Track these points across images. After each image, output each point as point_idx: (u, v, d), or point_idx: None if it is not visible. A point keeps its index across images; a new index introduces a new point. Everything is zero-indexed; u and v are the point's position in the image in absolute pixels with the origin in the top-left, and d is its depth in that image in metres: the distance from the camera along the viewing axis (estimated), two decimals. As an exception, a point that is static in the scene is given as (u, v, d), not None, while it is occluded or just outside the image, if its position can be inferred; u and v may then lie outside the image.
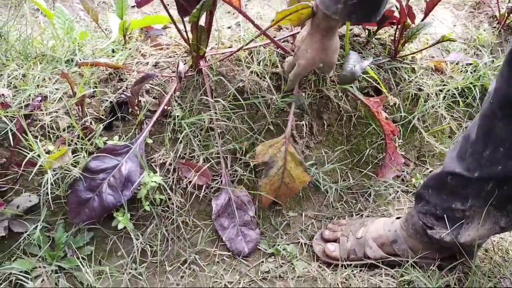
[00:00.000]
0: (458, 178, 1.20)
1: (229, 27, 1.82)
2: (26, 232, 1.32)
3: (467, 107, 1.72)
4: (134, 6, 2.18)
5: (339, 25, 1.33)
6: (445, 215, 1.26)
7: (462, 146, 1.20)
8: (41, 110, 1.38)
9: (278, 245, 1.48)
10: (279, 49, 1.59)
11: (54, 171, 1.29)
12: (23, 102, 1.37)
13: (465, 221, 1.25)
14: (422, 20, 1.60)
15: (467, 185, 1.19)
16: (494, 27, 1.87)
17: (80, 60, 1.51)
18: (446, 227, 1.27)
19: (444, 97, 1.67)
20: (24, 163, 1.23)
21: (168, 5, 1.43)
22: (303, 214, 1.57)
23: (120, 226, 1.35)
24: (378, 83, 1.53)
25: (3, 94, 1.30)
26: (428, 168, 1.70)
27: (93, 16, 1.65)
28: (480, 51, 1.78)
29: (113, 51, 1.62)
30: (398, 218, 1.45)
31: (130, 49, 1.60)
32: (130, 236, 1.38)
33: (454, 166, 1.21)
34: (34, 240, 1.31)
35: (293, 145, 1.49)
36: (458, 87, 1.67)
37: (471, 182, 1.18)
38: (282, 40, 1.60)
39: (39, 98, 1.38)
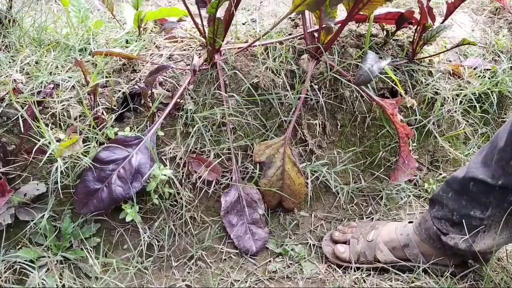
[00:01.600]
0: (480, 185, 1.17)
1: (244, 23, 1.80)
2: (32, 220, 1.30)
3: (483, 113, 1.69)
4: (148, -2, 2.17)
5: None
6: (462, 221, 1.23)
7: (488, 152, 1.17)
8: (53, 98, 1.36)
9: (287, 245, 1.46)
10: (295, 46, 1.56)
11: (63, 159, 1.28)
12: (35, 88, 1.35)
13: (481, 229, 1.22)
14: (442, 22, 1.57)
15: (490, 193, 1.16)
16: (514, 33, 1.84)
17: (94, 49, 1.49)
18: (461, 234, 1.24)
19: (461, 102, 1.64)
20: (34, 150, 1.21)
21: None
22: (313, 214, 1.55)
23: (128, 219, 1.33)
24: (396, 84, 1.51)
25: (15, 80, 1.28)
26: (441, 174, 1.67)
27: (109, 6, 1.63)
28: (498, 56, 1.75)
29: (127, 41, 1.60)
30: (410, 222, 1.42)
31: (144, 40, 1.58)
32: (138, 229, 1.37)
33: (478, 172, 1.17)
34: (40, 229, 1.30)
35: (290, 146, 1.47)
36: (475, 92, 1.64)
37: (494, 190, 1.15)
38: (298, 37, 1.58)
39: (52, 86, 1.36)
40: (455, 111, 1.64)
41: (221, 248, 1.42)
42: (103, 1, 1.63)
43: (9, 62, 1.40)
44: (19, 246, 1.30)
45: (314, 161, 1.55)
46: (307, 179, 1.51)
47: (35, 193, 1.34)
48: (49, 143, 1.23)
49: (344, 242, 1.45)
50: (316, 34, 1.54)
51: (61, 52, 1.48)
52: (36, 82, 1.36)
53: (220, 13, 1.38)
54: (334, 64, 1.48)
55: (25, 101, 1.31)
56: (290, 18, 1.75)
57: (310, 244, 1.48)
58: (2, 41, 1.44)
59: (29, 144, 1.32)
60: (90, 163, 1.30)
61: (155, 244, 1.37)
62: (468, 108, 1.66)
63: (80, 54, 1.49)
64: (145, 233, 1.37)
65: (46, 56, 1.44)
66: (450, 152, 1.67)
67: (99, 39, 1.57)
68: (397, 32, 1.64)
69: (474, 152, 1.69)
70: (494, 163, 1.14)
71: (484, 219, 1.20)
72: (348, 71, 1.55)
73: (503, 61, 1.71)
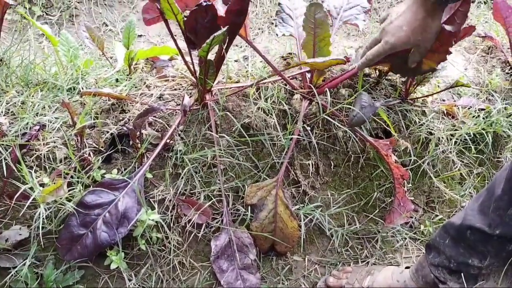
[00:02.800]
0: (478, 234, 1.13)
1: (236, 61, 1.78)
2: (14, 267, 1.25)
3: (478, 153, 1.67)
4: (140, 35, 2.17)
5: (445, 7, 1.22)
6: (460, 270, 1.18)
7: (485, 199, 1.14)
8: (38, 140, 1.32)
9: (279, 291, 1.40)
10: (287, 86, 1.55)
11: (47, 204, 1.23)
12: (20, 130, 1.31)
13: (480, 278, 1.17)
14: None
15: (487, 242, 1.12)
16: (507, 73, 1.83)
17: (83, 89, 1.46)
18: (459, 282, 1.20)
19: (456, 142, 1.61)
20: (16, 196, 1.17)
21: (175, 35, 1.39)
22: (306, 258, 1.50)
23: (113, 266, 1.28)
24: (388, 125, 1.48)
25: (0, 123, 1.25)
26: (437, 215, 1.63)
27: (99, 45, 1.62)
28: (492, 96, 1.74)
29: (117, 80, 1.58)
30: (407, 267, 1.37)
31: (134, 79, 1.55)
32: (123, 276, 1.31)
33: (475, 220, 1.14)
34: (21, 276, 1.24)
35: (282, 188, 1.44)
36: (470, 133, 1.62)
37: (491, 239, 1.11)
38: (291, 77, 1.56)
39: (37, 127, 1.33)
40: (450, 152, 1.61)
41: (210, 296, 1.36)
42: (93, 39, 1.62)
43: (-6, 103, 1.36)
44: (-1, 295, 1.24)
45: (307, 203, 1.51)
46: (300, 221, 1.47)
47: (17, 239, 1.29)
48: (32, 188, 1.19)
49: (339, 289, 1.40)
50: (308, 75, 1.53)
51: (48, 92, 1.44)
52: (22, 124, 1.32)
53: (212, 53, 1.37)
54: (327, 105, 1.46)
55: (9, 143, 1.26)
56: (282, 57, 1.74)
57: (303, 290, 1.43)
58: (-12, 81, 1.41)
59: (12, 188, 1.28)
60: (74, 208, 1.25)
61: (142, 292, 1.32)
62: (463, 149, 1.64)
63: (68, 94, 1.46)
64: (130, 281, 1.31)
65: (33, 96, 1.41)
66: (445, 193, 1.64)
67: (88, 78, 1.54)
68: (389, 72, 1.62)
69: (470, 193, 1.66)
70: (491, 212, 1.10)
71: (483, 268, 1.16)
72: (341, 111, 1.52)
73: (497, 100, 1.70)
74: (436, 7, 1.20)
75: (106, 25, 2.23)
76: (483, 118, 1.64)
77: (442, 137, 1.61)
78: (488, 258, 1.15)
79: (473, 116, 1.65)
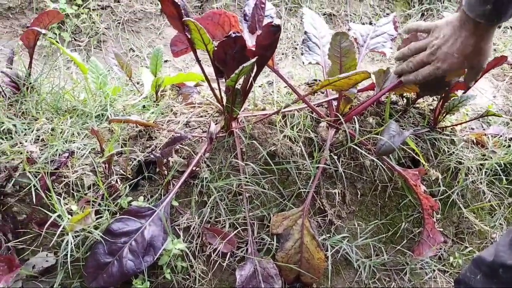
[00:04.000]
0: (510, 271, 1.09)
1: (260, 86, 1.79)
2: (40, 295, 1.25)
3: (510, 184, 1.62)
4: (166, 61, 2.20)
5: (494, 29, 1.22)
6: None
7: None
8: (67, 167, 1.34)
9: (305, 324, 1.37)
10: (313, 113, 1.54)
11: (75, 232, 1.23)
12: (50, 157, 1.33)
13: (513, 316, 1.13)
14: (464, 92, 1.54)
15: None
16: (537, 101, 1.80)
17: (111, 116, 1.48)
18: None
19: (486, 172, 1.58)
20: (47, 225, 1.17)
21: (201, 61, 1.40)
22: (333, 290, 1.47)
23: (138, 295, 1.27)
24: (417, 154, 1.46)
25: (30, 151, 1.26)
26: (467, 247, 1.59)
27: (127, 72, 1.64)
28: (523, 124, 1.71)
29: (143, 107, 1.59)
30: (437, 302, 1.33)
31: (161, 106, 1.57)
32: (148, 305, 1.30)
33: (507, 257, 1.10)
34: (47, 304, 1.24)
35: (309, 218, 1.42)
36: (500, 162, 1.58)
37: None
38: (317, 105, 1.55)
39: (66, 154, 1.34)
40: (480, 182, 1.58)
41: (235, 327, 1.34)
42: (122, 67, 1.64)
43: (25, 130, 1.39)
44: (24, 323, 1.24)
45: (334, 233, 1.49)
46: (327, 252, 1.44)
47: (44, 265, 1.29)
48: (60, 216, 1.19)
49: (367, 322, 1.36)
50: (335, 103, 1.52)
51: (78, 118, 1.47)
52: (51, 151, 1.34)
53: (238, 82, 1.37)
54: (355, 134, 1.44)
55: (38, 170, 1.28)
56: (307, 83, 1.74)
57: (330, 324, 1.39)
58: (19, 108, 1.44)
59: (40, 214, 1.29)
60: (101, 236, 1.25)
61: (166, 322, 1.30)
62: (493, 179, 1.60)
63: (97, 121, 1.48)
64: (155, 310, 1.30)
65: (62, 123, 1.43)
66: (475, 224, 1.60)
67: (116, 104, 1.56)
68: (417, 100, 1.60)
69: (500, 224, 1.62)
70: None
71: None
72: (369, 139, 1.51)
73: (527, 129, 1.67)
74: (489, 29, 1.19)
75: (133, 51, 2.26)
76: (514, 148, 1.60)
77: (472, 167, 1.57)
78: None
79: (504, 146, 1.62)
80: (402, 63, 1.39)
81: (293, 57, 2.29)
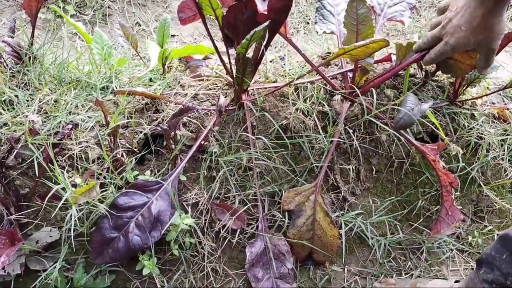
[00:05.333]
0: None
1: (271, 61, 1.72)
2: (44, 270, 1.21)
3: (533, 160, 1.55)
4: (173, 35, 2.13)
5: (508, 2, 1.13)
6: None
7: None
8: (71, 139, 1.29)
9: (317, 302, 1.32)
10: (327, 86, 1.47)
11: (79, 206, 1.19)
12: (53, 129, 1.28)
13: (542, 297, 1.07)
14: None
15: None
16: (562, 75, 1.71)
17: (116, 88, 1.42)
18: (517, 301, 1.09)
19: (508, 148, 1.51)
20: (48, 196, 1.13)
21: (208, 27, 1.33)
22: (346, 269, 1.41)
23: (145, 272, 1.23)
24: (437, 128, 1.39)
25: (32, 120, 1.21)
26: (486, 226, 1.52)
27: (133, 43, 1.58)
28: (547, 99, 1.62)
29: (150, 80, 1.54)
30: (457, 281, 1.27)
31: (168, 79, 1.51)
32: (155, 281, 1.26)
33: None
34: (51, 280, 1.21)
35: (322, 194, 1.36)
36: (523, 138, 1.51)
37: None
38: (331, 77, 1.48)
39: (70, 126, 1.29)
40: (502, 158, 1.51)
41: (245, 305, 1.30)
42: (127, 38, 1.58)
43: (27, 101, 1.34)
44: (28, 299, 1.21)
45: (348, 210, 1.43)
46: (340, 229, 1.39)
47: (48, 241, 1.25)
48: (64, 188, 1.14)
49: (381, 302, 1.31)
50: (350, 74, 1.45)
51: (82, 90, 1.41)
52: (54, 122, 1.29)
53: (249, 51, 1.31)
54: (372, 108, 1.37)
55: (41, 142, 1.23)
56: (320, 56, 1.67)
57: (343, 303, 1.35)
58: (21, 79, 1.38)
59: (43, 188, 1.24)
60: (107, 210, 1.20)
61: (174, 299, 1.26)
62: (515, 155, 1.53)
63: (101, 93, 1.42)
64: (163, 286, 1.26)
65: (66, 94, 1.38)
66: (495, 202, 1.53)
67: (122, 77, 1.50)
68: (436, 73, 1.53)
69: (522, 202, 1.55)
70: None
71: None
72: (385, 113, 1.44)
73: (552, 103, 1.59)
74: (497, 2, 1.10)
75: (139, 25, 2.20)
76: (538, 123, 1.53)
77: (493, 143, 1.50)
78: None
79: (527, 120, 1.54)
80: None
81: (305, 32, 2.22)
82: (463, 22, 1.16)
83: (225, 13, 1.20)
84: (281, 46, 2.03)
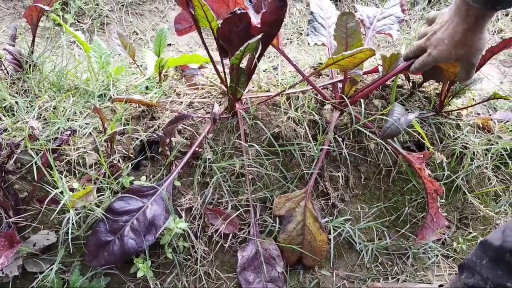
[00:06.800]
0: None
1: (265, 70, 1.77)
2: (40, 272, 1.25)
3: (515, 169, 1.61)
4: (170, 44, 2.18)
5: (488, 20, 1.17)
6: None
7: None
8: (69, 145, 1.33)
9: (306, 306, 1.37)
10: (318, 95, 1.52)
11: (76, 210, 1.22)
12: (52, 135, 1.32)
13: (520, 302, 1.11)
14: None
15: None
16: (545, 87, 1.78)
17: (114, 95, 1.47)
18: (496, 305, 1.14)
19: (491, 157, 1.56)
20: (47, 200, 1.16)
21: (204, 38, 1.38)
22: (335, 273, 1.45)
23: (139, 274, 1.26)
24: (423, 138, 1.44)
25: (32, 126, 1.25)
26: (471, 232, 1.57)
27: (130, 52, 1.63)
28: (530, 110, 1.68)
29: (147, 88, 1.58)
30: (440, 285, 1.32)
31: (164, 87, 1.55)
32: (149, 284, 1.29)
33: None
34: (48, 282, 1.24)
35: (312, 200, 1.40)
36: (506, 148, 1.56)
37: None
38: (322, 87, 1.54)
39: (68, 132, 1.33)
40: (486, 167, 1.56)
41: (236, 308, 1.34)
42: (125, 47, 1.63)
43: (27, 107, 1.38)
44: (25, 300, 1.24)
45: (337, 216, 1.47)
46: (329, 235, 1.43)
47: (45, 243, 1.29)
48: (62, 192, 1.18)
49: (368, 305, 1.36)
50: (340, 85, 1.50)
51: (80, 97, 1.45)
52: (53, 129, 1.33)
53: (243, 62, 1.36)
54: (360, 117, 1.43)
55: (40, 147, 1.27)
56: (312, 67, 1.72)
57: (331, 306, 1.39)
58: (21, 86, 1.43)
59: (42, 192, 1.28)
60: (103, 214, 1.24)
61: (167, 302, 1.30)
62: (498, 164, 1.58)
63: (99, 100, 1.46)
64: (156, 289, 1.30)
65: (64, 101, 1.42)
66: (480, 210, 1.58)
67: (119, 85, 1.55)
68: (423, 84, 1.58)
69: (505, 210, 1.60)
70: None
71: None
72: (373, 122, 1.49)
73: (534, 115, 1.64)
74: (479, 17, 1.16)
75: (137, 34, 2.25)
76: (521, 133, 1.59)
77: (477, 152, 1.56)
78: None
79: (510, 131, 1.60)
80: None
81: (298, 43, 2.27)
82: (446, 36, 1.21)
83: (220, 25, 1.25)
84: (274, 56, 2.08)
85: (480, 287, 1.17)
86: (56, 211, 1.18)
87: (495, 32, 2.32)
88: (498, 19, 2.37)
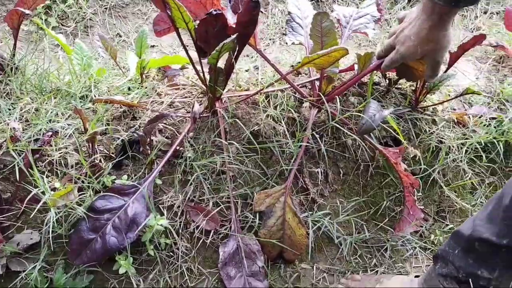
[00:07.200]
0: (486, 245, 1.11)
1: (247, 70, 1.80)
2: (24, 271, 1.27)
3: (490, 162, 1.65)
4: (153, 46, 2.21)
5: (453, 17, 1.22)
6: (469, 281, 1.16)
7: (494, 208, 1.11)
8: (51, 146, 1.35)
9: (287, 299, 1.40)
10: (296, 94, 1.56)
11: (58, 209, 1.25)
12: (33, 136, 1.34)
13: (490, 289, 1.15)
14: (445, 71, 1.56)
15: (496, 253, 1.10)
16: (519, 82, 1.82)
17: (95, 96, 1.49)
18: (468, 292, 1.18)
19: (466, 151, 1.60)
20: (27, 199, 1.19)
21: (187, 46, 1.42)
22: (315, 266, 1.49)
23: (121, 271, 1.29)
24: (398, 133, 1.48)
25: (13, 128, 1.28)
26: (448, 225, 1.61)
27: (112, 54, 1.65)
28: (504, 105, 1.72)
29: (129, 89, 1.61)
30: (417, 276, 1.36)
31: (146, 87, 1.58)
32: (131, 281, 1.32)
33: (483, 229, 1.11)
34: (31, 280, 1.26)
35: (291, 196, 1.44)
36: (481, 142, 1.60)
37: (500, 251, 1.09)
38: (300, 85, 1.57)
39: (50, 133, 1.35)
40: (461, 161, 1.60)
41: (218, 303, 1.36)
42: (107, 49, 1.65)
43: (9, 110, 1.40)
44: (9, 299, 1.26)
45: (316, 211, 1.51)
46: (309, 229, 1.47)
47: (28, 243, 1.31)
48: (44, 192, 1.21)
49: (348, 297, 1.39)
50: (317, 83, 1.54)
51: (62, 99, 1.48)
52: (35, 130, 1.35)
53: (222, 61, 1.39)
54: (336, 113, 1.46)
55: (22, 149, 1.29)
56: (292, 66, 1.75)
57: (311, 299, 1.42)
58: (3, 88, 1.45)
59: (24, 193, 1.30)
60: (85, 212, 1.27)
61: (150, 298, 1.32)
62: (474, 158, 1.62)
63: (81, 102, 1.49)
64: (139, 286, 1.32)
65: (46, 103, 1.44)
66: (456, 202, 1.62)
67: (101, 86, 1.57)
68: (399, 81, 1.62)
69: (481, 202, 1.64)
70: (499, 221, 1.08)
71: (492, 280, 1.13)
72: (350, 119, 1.53)
73: (508, 109, 1.69)
74: (444, 14, 1.19)
75: (120, 36, 2.27)
76: (495, 127, 1.63)
77: (453, 146, 1.60)
78: (497, 270, 1.12)
79: (484, 125, 1.64)
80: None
81: (280, 43, 2.31)
82: (413, 33, 1.25)
83: (197, 26, 1.28)
84: (257, 56, 2.11)
85: (453, 276, 1.21)
86: (37, 209, 1.20)
87: (473, 29, 2.37)
88: (477, 17, 2.42)
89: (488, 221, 1.13)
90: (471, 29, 2.33)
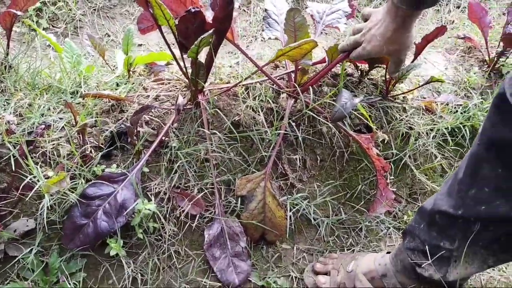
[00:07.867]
0: (445, 217, 1.19)
1: (230, 66, 1.90)
2: (21, 256, 1.35)
3: (457, 146, 1.75)
4: (140, 44, 2.30)
5: (415, 18, 1.33)
6: (433, 253, 1.25)
7: (452, 183, 1.20)
8: (44, 138, 1.44)
9: (269, 277, 1.49)
10: (274, 85, 1.66)
11: (51, 196, 1.34)
12: (27, 129, 1.43)
13: (452, 260, 1.24)
14: (412, 61, 1.67)
15: (454, 224, 1.18)
16: (484, 71, 1.93)
17: (85, 91, 1.58)
18: (433, 264, 1.27)
19: (435, 136, 1.71)
20: (22, 186, 1.28)
21: (172, 44, 1.51)
22: (295, 247, 1.59)
23: (112, 253, 1.38)
24: (368, 120, 1.58)
25: (8, 121, 1.37)
26: (419, 206, 1.71)
27: (100, 52, 1.74)
28: (470, 93, 1.83)
29: (117, 84, 1.70)
30: (388, 252, 1.46)
31: (133, 83, 1.67)
32: (122, 264, 1.41)
33: (443, 203, 1.20)
34: (28, 264, 1.35)
35: (270, 180, 1.53)
36: (448, 127, 1.71)
37: (456, 222, 1.17)
38: (278, 78, 1.67)
39: (43, 126, 1.44)
40: (430, 145, 1.71)
41: (204, 282, 1.46)
42: (95, 47, 1.74)
43: (4, 105, 1.49)
44: (7, 281, 1.34)
45: (295, 195, 1.61)
46: (288, 211, 1.56)
47: (25, 229, 1.39)
48: (38, 180, 1.30)
49: (326, 273, 1.49)
50: (293, 75, 1.64)
51: (53, 95, 1.57)
52: (29, 123, 1.44)
53: (204, 56, 1.48)
54: (310, 102, 1.56)
55: (17, 141, 1.38)
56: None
57: (292, 277, 1.52)
58: (-3, 86, 1.54)
59: (20, 182, 1.39)
60: (77, 199, 1.36)
61: (139, 278, 1.41)
62: (442, 142, 1.73)
63: (71, 97, 1.58)
64: (129, 267, 1.41)
65: (39, 98, 1.53)
66: (427, 185, 1.73)
67: (90, 82, 1.67)
68: (371, 72, 1.73)
69: (451, 184, 1.74)
70: (455, 194, 1.17)
71: (453, 250, 1.21)
72: (325, 108, 1.63)
73: (474, 96, 1.79)
74: (407, 17, 1.31)
75: (109, 36, 2.36)
76: (461, 113, 1.74)
77: (422, 132, 1.70)
78: (457, 241, 1.19)
79: (451, 112, 1.75)
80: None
81: (262, 40, 2.41)
82: (379, 33, 1.37)
83: (177, 23, 1.38)
84: (240, 53, 2.21)
85: (419, 249, 1.30)
86: (30, 196, 1.29)
87: (447, 23, 2.48)
88: (450, 11, 2.54)
89: (447, 195, 1.22)
90: (444, 22, 2.45)
